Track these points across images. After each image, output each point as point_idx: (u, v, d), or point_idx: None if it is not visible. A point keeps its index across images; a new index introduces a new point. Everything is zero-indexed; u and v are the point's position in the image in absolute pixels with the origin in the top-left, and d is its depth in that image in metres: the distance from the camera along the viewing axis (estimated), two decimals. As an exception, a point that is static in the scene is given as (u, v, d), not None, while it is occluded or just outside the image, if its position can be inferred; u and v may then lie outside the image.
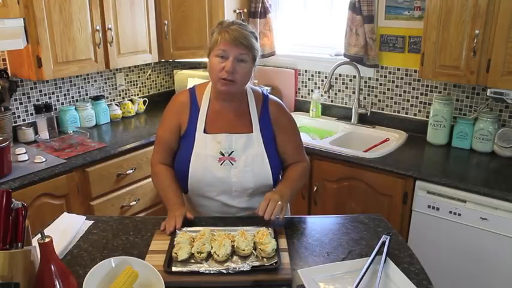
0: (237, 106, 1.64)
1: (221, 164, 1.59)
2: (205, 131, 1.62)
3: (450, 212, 2.11)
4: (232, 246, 1.33)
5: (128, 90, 3.21)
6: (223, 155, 1.59)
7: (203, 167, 1.59)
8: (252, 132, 1.62)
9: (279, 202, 1.48)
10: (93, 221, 1.59)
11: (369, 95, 2.90)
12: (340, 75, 2.98)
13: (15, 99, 2.55)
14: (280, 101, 1.73)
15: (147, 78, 3.34)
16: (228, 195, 1.63)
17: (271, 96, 1.71)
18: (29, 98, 2.62)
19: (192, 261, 1.30)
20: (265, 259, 1.29)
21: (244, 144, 1.60)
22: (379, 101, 2.87)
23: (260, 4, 3.05)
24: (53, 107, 2.67)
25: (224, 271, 1.24)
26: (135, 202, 2.58)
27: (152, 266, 1.21)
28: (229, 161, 1.59)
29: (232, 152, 1.60)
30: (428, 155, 2.45)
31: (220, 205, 1.65)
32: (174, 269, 1.26)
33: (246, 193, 1.63)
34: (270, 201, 1.48)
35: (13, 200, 1.14)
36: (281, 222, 1.50)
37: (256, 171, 1.60)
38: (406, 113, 2.79)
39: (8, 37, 2.13)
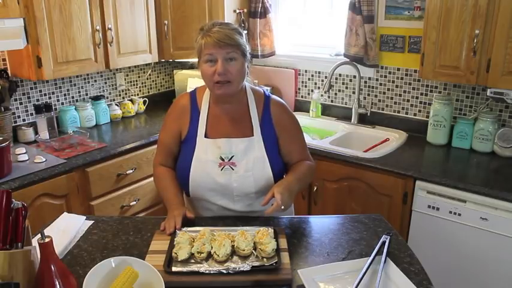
0: (236, 108, 1.62)
1: (221, 169, 1.57)
2: (206, 136, 1.60)
3: (450, 212, 2.11)
4: (232, 246, 1.33)
5: (128, 90, 3.21)
6: (223, 160, 1.57)
7: (204, 172, 1.58)
8: (253, 135, 1.60)
9: (282, 203, 1.44)
10: (93, 221, 1.59)
11: (369, 95, 2.90)
12: (340, 75, 2.98)
13: (15, 99, 2.55)
14: (283, 101, 1.70)
15: (147, 78, 3.34)
16: (230, 200, 1.61)
17: (273, 96, 1.68)
18: (29, 98, 2.62)
19: (192, 261, 1.30)
20: (265, 259, 1.29)
21: (245, 148, 1.58)
22: (379, 101, 2.87)
23: (260, 4, 3.05)
24: (53, 107, 2.67)
25: (224, 271, 1.24)
26: (135, 202, 2.58)
27: (152, 266, 1.21)
28: (229, 166, 1.57)
29: (232, 156, 1.57)
30: (428, 155, 2.45)
31: (222, 209, 1.63)
32: (174, 269, 1.26)
33: (248, 197, 1.61)
34: (275, 196, 1.44)
35: (13, 200, 1.14)
36: (283, 221, 1.49)
37: (257, 175, 1.58)
38: (406, 113, 2.79)
39: (8, 37, 2.14)
